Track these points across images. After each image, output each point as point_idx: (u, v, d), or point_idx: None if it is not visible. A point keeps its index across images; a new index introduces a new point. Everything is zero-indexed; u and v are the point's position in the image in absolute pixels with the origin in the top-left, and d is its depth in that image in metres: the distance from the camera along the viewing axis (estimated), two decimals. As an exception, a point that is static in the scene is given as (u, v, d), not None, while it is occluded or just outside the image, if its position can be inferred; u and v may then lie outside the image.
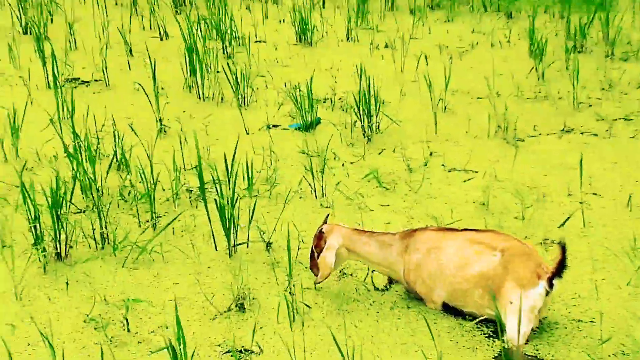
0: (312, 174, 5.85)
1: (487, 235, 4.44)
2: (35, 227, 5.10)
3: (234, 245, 5.17)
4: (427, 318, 4.39)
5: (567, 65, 8.11)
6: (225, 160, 5.31)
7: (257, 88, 7.97)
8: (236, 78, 7.57)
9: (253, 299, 4.67)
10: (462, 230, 4.57)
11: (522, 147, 6.41)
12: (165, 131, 7.05)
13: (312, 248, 4.72)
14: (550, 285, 4.15)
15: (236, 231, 5.15)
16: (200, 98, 7.87)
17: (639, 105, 7.09)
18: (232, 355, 4.18)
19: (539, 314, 4.25)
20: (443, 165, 6.21)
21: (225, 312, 4.58)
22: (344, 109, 7.41)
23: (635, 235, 5.04)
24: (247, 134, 7.02)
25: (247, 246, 5.24)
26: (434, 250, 4.49)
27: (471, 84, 7.83)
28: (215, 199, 5.14)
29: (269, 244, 5.21)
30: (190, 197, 5.87)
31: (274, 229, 5.30)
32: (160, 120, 7.10)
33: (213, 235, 5.26)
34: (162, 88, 7.97)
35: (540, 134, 6.68)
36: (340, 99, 7.69)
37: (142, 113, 7.44)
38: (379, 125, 6.89)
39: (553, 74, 7.97)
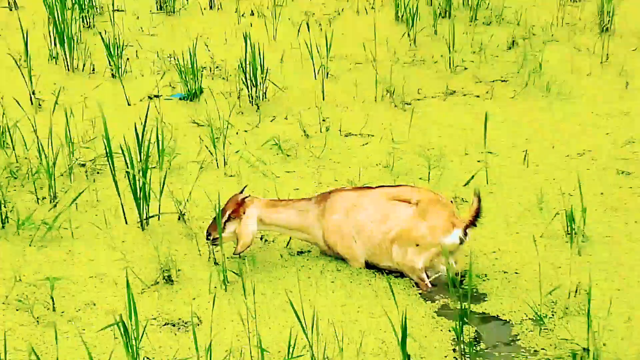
0: (214, 143, 5.81)
1: (402, 190, 4.61)
2: None
3: (146, 218, 5.09)
4: (361, 279, 4.49)
5: (436, 30, 8.35)
6: (136, 131, 5.18)
7: (128, 58, 7.79)
8: (108, 48, 7.37)
9: (178, 270, 4.63)
10: (377, 187, 4.69)
11: (410, 110, 6.58)
12: (40, 105, 6.80)
13: (220, 210, 4.63)
14: (465, 234, 4.36)
15: (148, 204, 5.06)
16: (69, 70, 7.63)
17: (512, 66, 7.41)
18: (173, 328, 4.14)
19: (455, 265, 4.42)
20: (339, 130, 6.30)
21: (152, 285, 4.53)
22: (224, 78, 7.37)
23: (541, 190, 5.31)
24: (129, 105, 6.87)
25: (159, 218, 5.16)
26: (352, 209, 4.60)
27: (347, 50, 7.95)
28: (127, 171, 5.02)
29: (181, 215, 5.15)
30: (86, 172, 5.71)
31: (187, 200, 5.24)
32: (34, 93, 6.85)
33: (123, 208, 5.15)
34: (25, 60, 7.65)
35: (425, 97, 6.88)
36: (217, 67, 7.63)
37: (8, 86, 7.14)
38: (265, 93, 6.88)
39: (424, 39, 8.19)
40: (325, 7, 9.40)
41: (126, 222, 5.13)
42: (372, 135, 6.21)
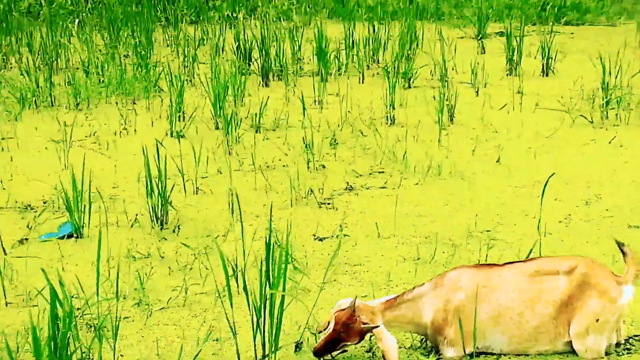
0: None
1: (539, 262, 4.30)
2: None
3: (267, 355, 4.11)
4: None
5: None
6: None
7: None
8: None
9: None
10: (503, 265, 4.34)
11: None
12: None
13: (334, 333, 4.06)
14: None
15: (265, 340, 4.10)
16: None
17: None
18: None
19: (622, 327, 4.29)
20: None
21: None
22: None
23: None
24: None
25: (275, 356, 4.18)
26: (484, 290, 4.18)
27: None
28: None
29: (298, 345, 4.25)
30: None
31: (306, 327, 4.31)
32: None
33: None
34: None
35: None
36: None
37: None
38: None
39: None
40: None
41: (243, 368, 4.07)
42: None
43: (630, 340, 4.31)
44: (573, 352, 4.16)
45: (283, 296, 4.05)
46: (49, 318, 3.64)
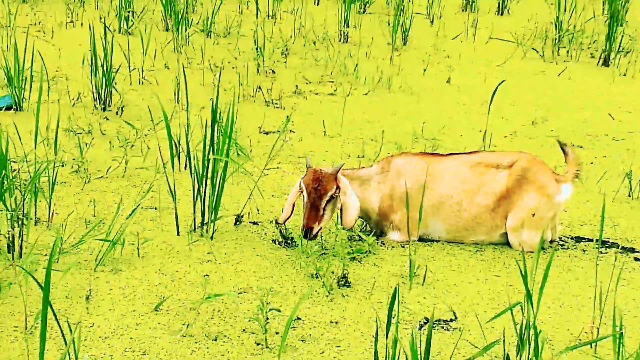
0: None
1: (481, 155, 4.34)
2: None
3: (206, 223, 4.09)
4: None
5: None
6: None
7: None
8: None
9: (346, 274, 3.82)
10: (447, 155, 4.36)
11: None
12: None
13: (312, 193, 3.95)
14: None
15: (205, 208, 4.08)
16: None
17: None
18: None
19: (559, 226, 4.33)
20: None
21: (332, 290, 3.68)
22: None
23: None
24: None
25: (214, 225, 4.16)
26: (427, 179, 4.19)
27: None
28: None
29: (238, 218, 4.24)
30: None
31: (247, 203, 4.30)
32: None
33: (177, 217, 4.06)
34: None
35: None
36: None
37: None
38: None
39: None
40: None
41: (178, 234, 4.04)
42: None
43: (564, 238, 4.35)
44: (508, 244, 4.20)
45: (226, 163, 4.01)
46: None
